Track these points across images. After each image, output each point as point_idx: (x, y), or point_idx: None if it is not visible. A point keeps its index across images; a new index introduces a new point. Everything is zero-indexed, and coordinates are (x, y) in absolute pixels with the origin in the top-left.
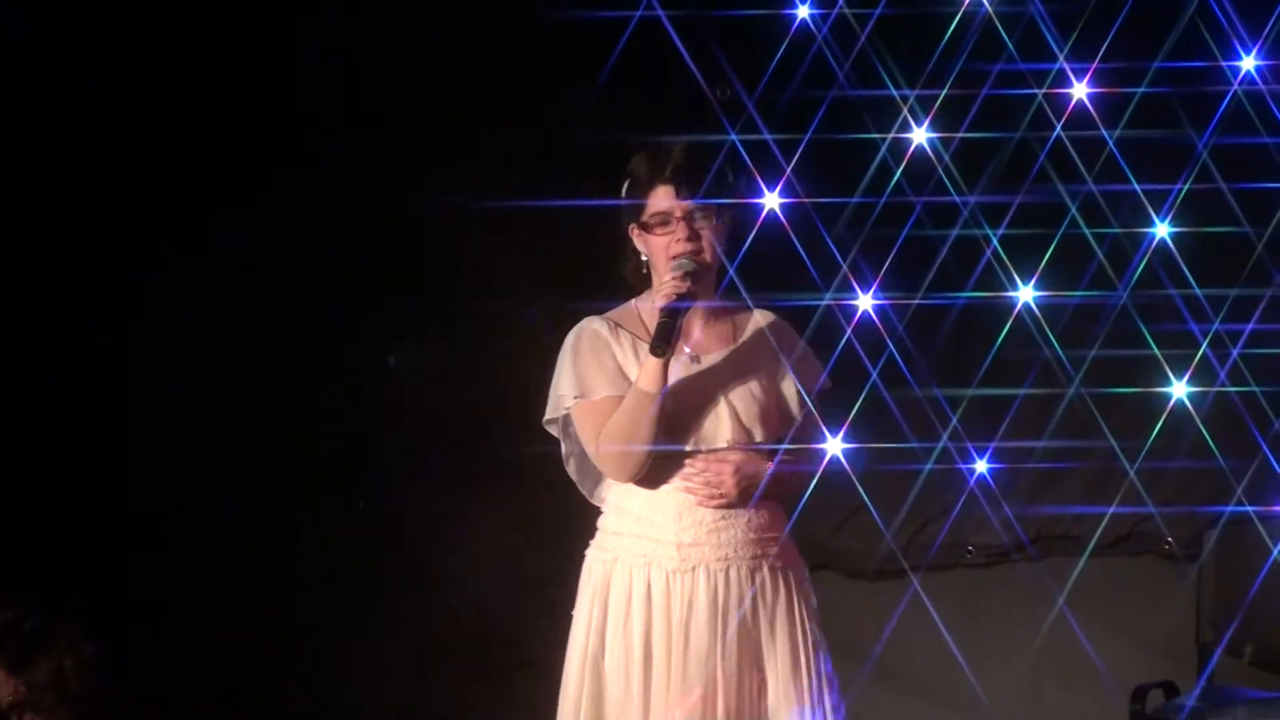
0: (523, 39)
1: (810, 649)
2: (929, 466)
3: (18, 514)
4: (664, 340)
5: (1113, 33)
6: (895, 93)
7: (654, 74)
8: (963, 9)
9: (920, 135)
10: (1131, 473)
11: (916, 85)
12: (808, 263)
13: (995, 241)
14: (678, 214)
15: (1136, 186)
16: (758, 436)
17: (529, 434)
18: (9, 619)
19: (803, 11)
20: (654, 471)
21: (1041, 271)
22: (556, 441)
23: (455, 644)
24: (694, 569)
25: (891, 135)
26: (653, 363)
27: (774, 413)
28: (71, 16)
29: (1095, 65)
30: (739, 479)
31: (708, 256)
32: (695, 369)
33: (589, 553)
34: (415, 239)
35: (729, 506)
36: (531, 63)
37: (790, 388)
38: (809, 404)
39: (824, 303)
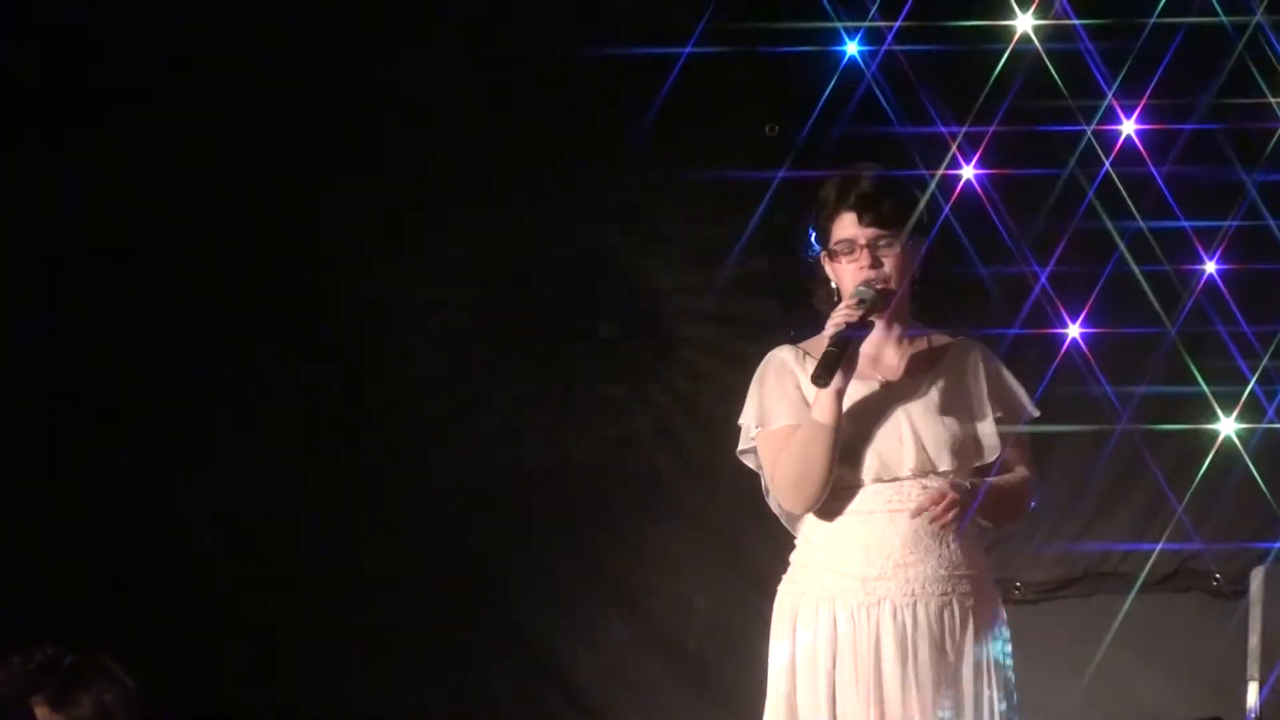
0: None
1: (994, 693)
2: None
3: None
4: (825, 371)
5: (1161, 70)
6: (943, 129)
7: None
8: (1011, 46)
9: (969, 172)
10: (1179, 509)
11: (965, 122)
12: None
13: (1044, 278)
14: (861, 241)
15: (1185, 223)
16: (943, 465)
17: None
18: (49, 655)
19: (851, 49)
20: (837, 502)
21: (1090, 307)
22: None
23: (659, 674)
24: (879, 603)
25: (940, 172)
26: (825, 393)
27: (965, 442)
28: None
29: (1144, 102)
30: (952, 513)
31: (892, 284)
32: (883, 395)
33: (780, 586)
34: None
35: (952, 518)
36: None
37: (987, 417)
38: (995, 432)
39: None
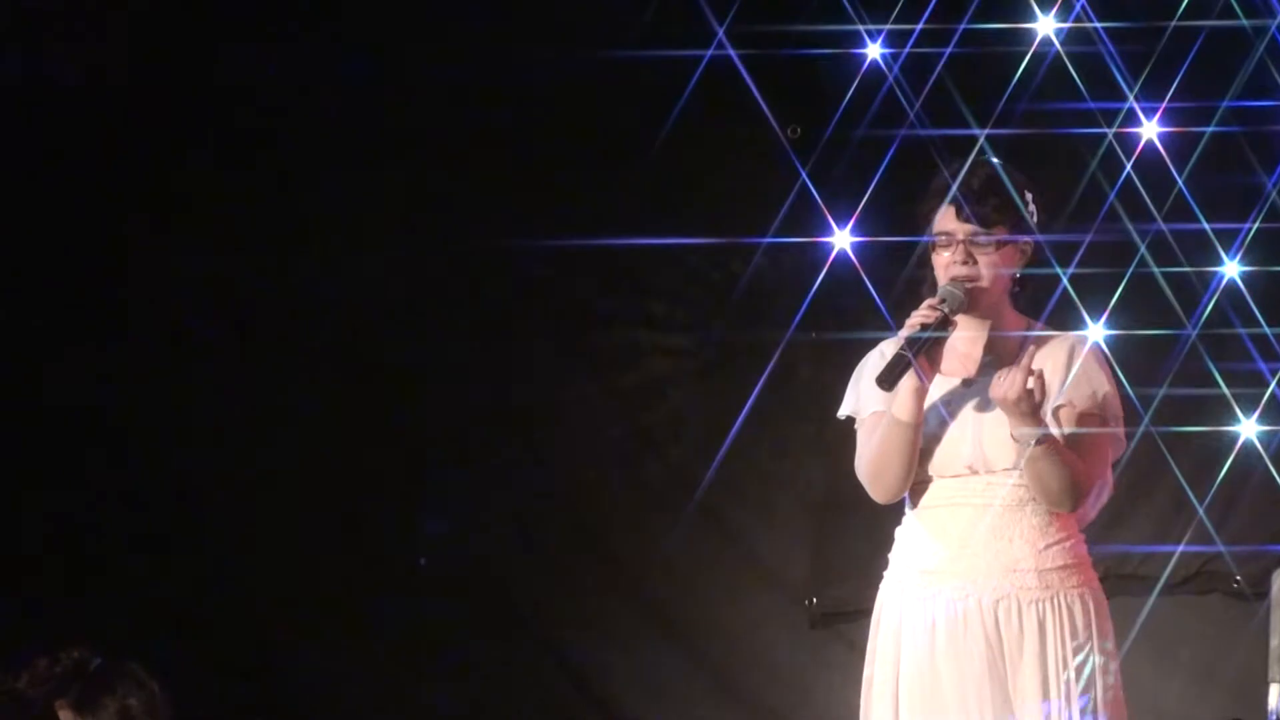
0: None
1: (1064, 694)
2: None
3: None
4: (889, 375)
5: (1182, 72)
6: (965, 131)
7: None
8: (1033, 48)
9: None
10: (1200, 511)
11: (986, 124)
12: (878, 300)
13: (1065, 280)
14: (959, 236)
15: (1206, 225)
16: (1000, 464)
17: None
18: (75, 659)
19: (874, 51)
20: (914, 496)
21: (1111, 309)
22: None
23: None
24: (934, 597)
25: (962, 173)
26: (906, 389)
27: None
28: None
29: (1165, 104)
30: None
31: (984, 283)
32: (961, 392)
33: None
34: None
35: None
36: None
37: (1059, 410)
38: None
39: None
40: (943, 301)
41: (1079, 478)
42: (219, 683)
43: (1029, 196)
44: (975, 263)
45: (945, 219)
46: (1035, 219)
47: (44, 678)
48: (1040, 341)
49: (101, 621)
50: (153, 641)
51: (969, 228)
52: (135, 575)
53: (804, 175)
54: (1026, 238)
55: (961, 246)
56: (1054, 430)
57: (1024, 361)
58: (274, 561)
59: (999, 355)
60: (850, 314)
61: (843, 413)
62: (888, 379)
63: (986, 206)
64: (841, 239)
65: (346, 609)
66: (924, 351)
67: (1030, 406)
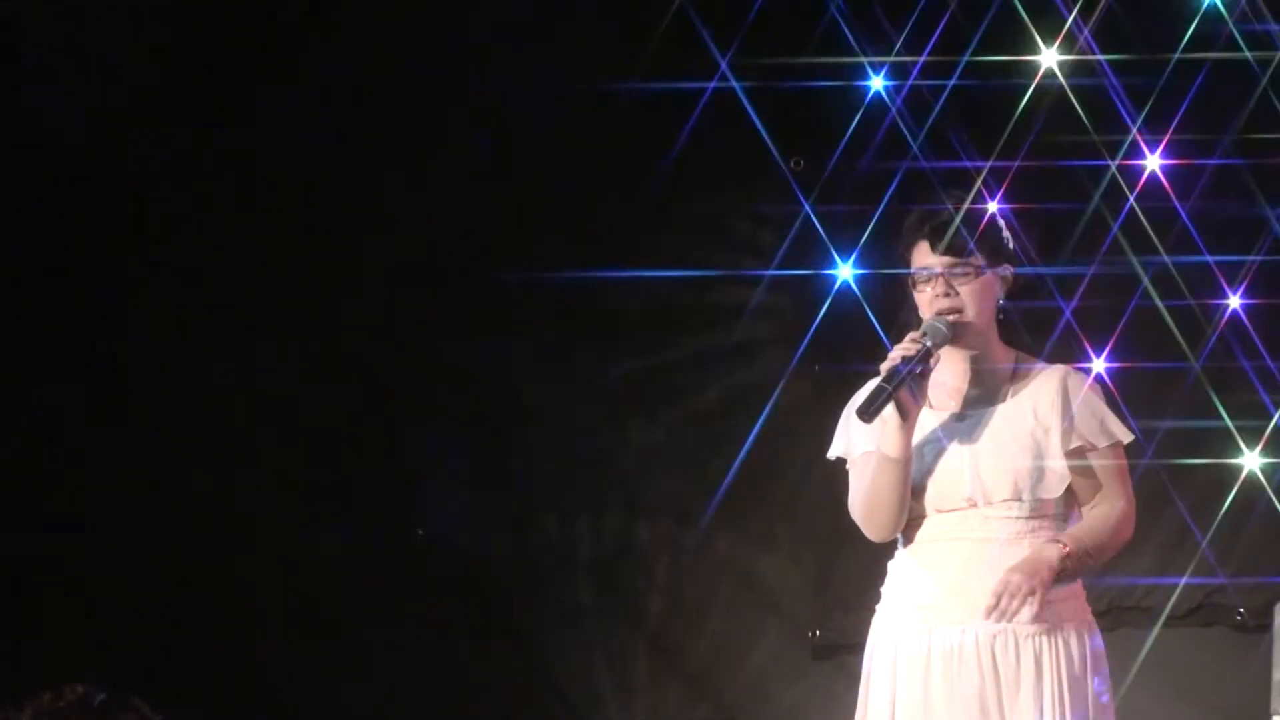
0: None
1: None
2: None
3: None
4: (870, 407)
5: (1185, 105)
6: (968, 164)
7: (728, 144)
8: (1036, 81)
9: (993, 207)
10: (1203, 543)
11: (989, 157)
12: (881, 333)
13: (1069, 312)
14: (937, 270)
15: (1209, 258)
16: (998, 496)
17: None
18: (79, 695)
19: (877, 83)
20: (909, 531)
21: (1115, 342)
22: None
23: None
24: (930, 631)
25: (966, 205)
26: (892, 425)
27: (1026, 473)
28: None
29: (1168, 137)
30: (1021, 592)
31: (968, 315)
32: (951, 426)
33: None
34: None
35: (1018, 606)
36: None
37: (1055, 448)
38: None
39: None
40: (925, 335)
41: (1110, 532)
42: (213, 693)
43: (1002, 224)
44: (956, 294)
45: (922, 254)
46: (1011, 246)
47: (47, 712)
48: (1028, 374)
49: (99, 637)
50: (148, 653)
51: (946, 259)
52: (132, 582)
53: (807, 208)
54: (1007, 267)
55: (941, 279)
56: (1062, 464)
57: (991, 603)
58: (270, 566)
59: (986, 388)
60: (853, 346)
61: (833, 454)
62: (867, 411)
63: (960, 237)
64: (845, 271)
65: (340, 614)
66: (911, 387)
67: (1029, 592)
